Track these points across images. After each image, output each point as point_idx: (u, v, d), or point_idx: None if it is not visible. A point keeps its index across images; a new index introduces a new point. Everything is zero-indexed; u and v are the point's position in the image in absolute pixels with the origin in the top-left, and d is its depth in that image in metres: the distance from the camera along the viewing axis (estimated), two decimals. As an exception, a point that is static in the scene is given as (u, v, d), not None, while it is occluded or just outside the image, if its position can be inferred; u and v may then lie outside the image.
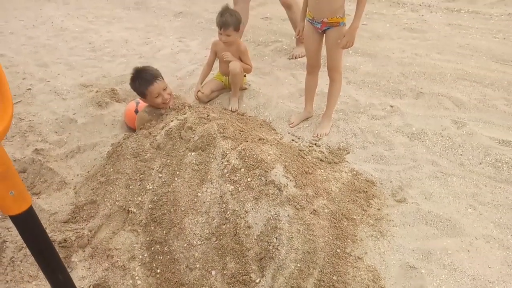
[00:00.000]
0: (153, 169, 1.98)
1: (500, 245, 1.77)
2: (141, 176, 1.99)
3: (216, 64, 3.21)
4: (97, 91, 3.23)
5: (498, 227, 1.87)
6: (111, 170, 2.04)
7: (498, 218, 1.92)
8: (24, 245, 1.72)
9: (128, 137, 2.20)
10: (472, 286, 1.59)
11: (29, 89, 3.36)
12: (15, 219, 0.93)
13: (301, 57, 3.76)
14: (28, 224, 0.95)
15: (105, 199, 1.96)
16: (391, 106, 2.91)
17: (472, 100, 2.91)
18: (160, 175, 1.95)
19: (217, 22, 2.85)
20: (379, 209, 1.99)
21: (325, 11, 2.28)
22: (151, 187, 1.94)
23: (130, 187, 1.97)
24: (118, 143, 2.21)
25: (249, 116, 2.90)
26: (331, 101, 2.64)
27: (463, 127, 2.57)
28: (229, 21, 2.79)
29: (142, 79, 2.35)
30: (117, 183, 1.98)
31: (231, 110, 2.95)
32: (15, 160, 2.34)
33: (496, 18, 4.53)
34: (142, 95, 2.41)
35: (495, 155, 2.31)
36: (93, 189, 2.03)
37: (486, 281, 1.61)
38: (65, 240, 1.79)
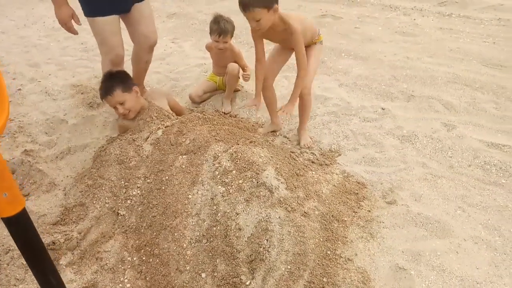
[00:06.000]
0: (139, 178, 1.96)
1: (488, 246, 1.79)
2: (126, 183, 1.97)
3: (209, 65, 3.20)
4: (88, 92, 3.21)
5: (486, 229, 1.89)
6: (96, 174, 2.02)
7: (486, 219, 1.94)
8: (11, 248, 1.70)
9: (111, 142, 2.17)
10: (460, 287, 1.61)
11: (20, 89, 3.33)
12: (8, 221, 0.92)
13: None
14: (21, 226, 0.95)
15: (94, 202, 1.95)
16: (383, 109, 2.93)
17: (462, 103, 2.95)
18: (148, 180, 1.94)
19: (214, 30, 2.81)
20: (369, 211, 2.00)
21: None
22: (137, 193, 1.92)
23: (116, 194, 1.95)
24: (102, 147, 2.19)
25: (242, 118, 2.90)
26: (304, 117, 2.57)
27: (453, 130, 2.60)
28: (228, 29, 2.79)
29: (103, 87, 2.31)
30: (103, 188, 1.97)
31: (224, 112, 2.95)
32: (3, 161, 2.31)
33: (486, 23, 4.60)
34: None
35: (484, 157, 2.34)
36: (82, 191, 2.01)
37: (474, 282, 1.62)
38: (53, 243, 1.77)
